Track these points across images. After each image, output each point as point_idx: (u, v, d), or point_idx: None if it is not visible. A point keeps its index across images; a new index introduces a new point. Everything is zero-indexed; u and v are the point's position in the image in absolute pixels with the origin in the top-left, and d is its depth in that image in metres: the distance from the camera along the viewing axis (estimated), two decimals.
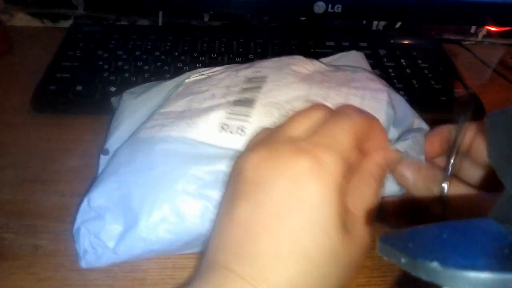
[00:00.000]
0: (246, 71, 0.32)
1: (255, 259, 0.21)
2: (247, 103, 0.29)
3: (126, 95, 0.35)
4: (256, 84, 0.30)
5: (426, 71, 0.49)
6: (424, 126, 0.30)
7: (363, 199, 0.23)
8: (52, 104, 0.42)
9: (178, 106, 0.31)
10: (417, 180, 0.26)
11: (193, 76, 0.34)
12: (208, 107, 0.29)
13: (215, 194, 0.26)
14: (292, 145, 0.22)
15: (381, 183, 0.25)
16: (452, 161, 0.26)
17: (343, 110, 0.25)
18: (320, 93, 0.29)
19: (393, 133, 0.29)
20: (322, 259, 0.21)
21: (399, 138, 0.28)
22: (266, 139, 0.24)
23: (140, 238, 0.26)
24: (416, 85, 0.47)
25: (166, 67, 0.46)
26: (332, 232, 0.21)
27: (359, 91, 0.30)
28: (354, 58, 0.38)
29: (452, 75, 0.49)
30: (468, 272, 0.11)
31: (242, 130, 0.28)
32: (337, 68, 0.34)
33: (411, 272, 0.12)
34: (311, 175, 0.21)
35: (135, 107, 0.33)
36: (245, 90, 0.30)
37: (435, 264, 0.11)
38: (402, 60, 0.50)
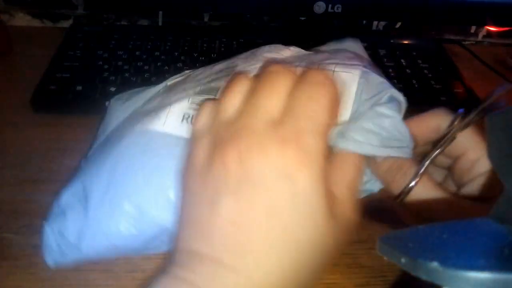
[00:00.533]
0: (221, 65, 0.32)
1: (247, 252, 0.21)
2: (211, 91, 0.28)
3: (113, 101, 0.35)
4: (224, 73, 0.30)
5: (426, 71, 0.49)
6: (401, 98, 0.27)
7: (346, 179, 0.23)
8: (52, 104, 0.42)
9: (152, 104, 0.31)
10: (383, 173, 0.26)
11: (175, 78, 0.34)
12: (175, 99, 0.29)
13: (177, 185, 0.26)
14: (273, 134, 0.22)
15: (362, 159, 0.25)
16: (432, 156, 0.25)
17: (313, 78, 0.24)
18: None
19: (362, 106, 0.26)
20: (311, 246, 0.21)
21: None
22: (237, 125, 0.23)
23: (101, 233, 0.26)
24: (416, 85, 0.47)
25: (166, 67, 0.46)
26: (320, 220, 0.21)
27: (330, 67, 0.28)
28: (350, 45, 0.36)
29: (452, 75, 0.49)
30: (468, 272, 0.11)
31: None
32: (317, 50, 0.33)
33: (411, 272, 0.12)
34: (300, 167, 0.21)
35: (120, 113, 0.33)
36: (212, 80, 0.30)
37: (435, 264, 0.11)
38: (402, 60, 0.50)
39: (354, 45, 0.36)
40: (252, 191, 0.21)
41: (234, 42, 0.51)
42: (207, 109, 0.25)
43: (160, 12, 0.57)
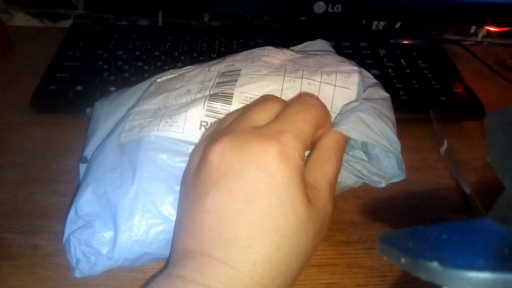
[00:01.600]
0: (218, 66, 0.32)
1: (232, 243, 0.22)
2: (225, 98, 0.29)
3: (98, 104, 0.35)
4: (230, 77, 0.30)
5: (426, 71, 0.49)
6: (385, 96, 0.30)
7: (325, 175, 0.25)
8: (52, 104, 0.42)
9: (153, 104, 0.31)
10: None
11: (165, 76, 0.34)
12: (185, 102, 0.29)
13: None
14: (255, 133, 0.24)
15: (340, 156, 0.27)
16: None
17: (305, 100, 0.26)
18: (293, 85, 0.29)
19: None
20: (292, 232, 0.22)
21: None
22: (226, 130, 0.25)
23: (134, 241, 0.26)
24: (416, 85, 0.47)
25: (166, 67, 0.46)
26: (299, 207, 0.22)
27: (331, 77, 0.30)
28: (320, 45, 0.39)
29: (452, 75, 0.49)
30: (468, 272, 0.11)
31: None
32: (306, 54, 0.34)
33: (411, 272, 0.12)
34: (278, 161, 0.22)
35: (109, 113, 0.33)
36: (219, 84, 0.30)
37: (435, 264, 0.11)
38: (402, 60, 0.50)
39: (324, 45, 0.39)
40: (232, 182, 0.23)
41: (234, 42, 0.51)
42: (214, 124, 0.28)
43: (160, 12, 0.57)
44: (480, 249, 0.12)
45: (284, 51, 0.34)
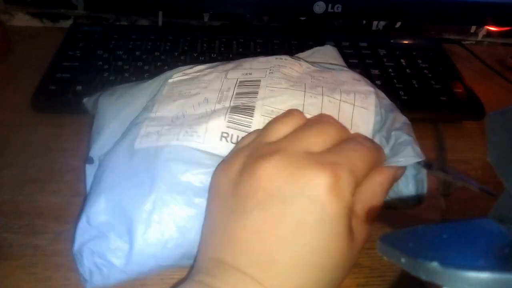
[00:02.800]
0: (235, 73, 0.32)
1: (272, 267, 0.22)
2: (247, 111, 0.28)
3: (102, 99, 0.34)
4: (250, 89, 0.30)
5: (426, 71, 0.49)
6: (404, 119, 0.31)
7: (371, 209, 0.25)
8: (52, 104, 0.42)
9: (169, 110, 0.30)
10: None
11: (176, 76, 0.33)
12: (204, 113, 0.29)
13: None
14: (311, 159, 0.23)
15: (386, 193, 0.26)
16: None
17: (362, 141, 0.26)
18: (315, 102, 0.29)
19: (379, 138, 0.29)
20: (333, 267, 0.22)
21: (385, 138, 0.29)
22: (277, 146, 0.24)
23: (150, 255, 0.26)
24: (416, 85, 0.47)
25: (166, 67, 0.46)
26: (343, 243, 0.22)
27: (350, 97, 0.30)
28: (329, 52, 0.38)
29: (452, 75, 0.49)
30: (468, 272, 0.11)
31: None
32: (321, 67, 0.34)
33: (411, 272, 0.12)
34: (331, 194, 0.22)
35: (116, 111, 0.32)
36: (239, 94, 0.29)
37: (435, 264, 0.11)
38: (402, 60, 0.50)
39: (332, 53, 0.39)
40: (281, 207, 0.22)
41: (234, 42, 0.51)
42: (254, 133, 0.27)
43: (160, 12, 0.57)
44: (480, 249, 0.12)
45: (300, 62, 0.33)
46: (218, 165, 0.26)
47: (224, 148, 0.27)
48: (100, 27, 0.52)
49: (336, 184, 0.22)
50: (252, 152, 0.24)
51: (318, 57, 0.37)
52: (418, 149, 0.27)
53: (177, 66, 0.46)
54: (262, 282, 0.21)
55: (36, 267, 0.29)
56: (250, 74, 0.31)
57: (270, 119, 0.28)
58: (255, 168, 0.23)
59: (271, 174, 0.22)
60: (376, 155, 0.26)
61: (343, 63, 0.38)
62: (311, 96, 0.29)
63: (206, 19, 0.60)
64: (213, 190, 0.26)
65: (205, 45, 0.50)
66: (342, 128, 0.27)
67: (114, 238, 0.26)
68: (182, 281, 0.24)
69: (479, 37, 0.63)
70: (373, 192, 0.25)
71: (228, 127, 0.28)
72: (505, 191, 0.15)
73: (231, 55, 0.49)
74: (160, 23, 0.58)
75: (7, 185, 0.35)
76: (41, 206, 0.33)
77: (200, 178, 0.26)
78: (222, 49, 0.50)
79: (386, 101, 0.32)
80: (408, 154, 0.27)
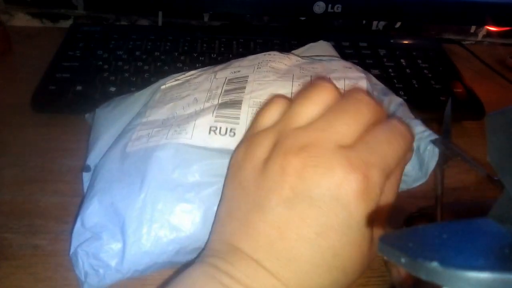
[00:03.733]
0: (224, 72, 0.32)
1: (291, 264, 0.21)
2: (234, 105, 0.28)
3: (99, 110, 0.35)
4: (238, 85, 0.30)
5: (426, 71, 0.49)
6: (399, 100, 0.30)
7: (388, 203, 0.24)
8: (52, 104, 0.42)
9: (160, 114, 0.30)
10: None
11: (169, 82, 0.33)
12: (194, 112, 0.29)
13: (213, 195, 0.26)
14: (342, 158, 0.21)
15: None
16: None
17: (397, 128, 0.24)
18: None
19: None
20: (353, 270, 0.22)
21: None
22: (308, 136, 0.22)
23: (143, 252, 0.26)
24: (416, 85, 0.47)
25: (166, 67, 0.46)
26: (365, 247, 0.22)
27: (339, 83, 0.29)
28: (323, 47, 0.38)
29: (452, 75, 0.49)
30: (468, 272, 0.11)
31: (232, 132, 0.27)
32: (312, 59, 0.34)
33: (411, 272, 0.12)
34: (360, 199, 0.21)
35: (112, 120, 0.33)
36: (228, 91, 0.30)
37: (435, 264, 0.11)
38: (402, 60, 0.50)
39: (326, 48, 0.39)
40: (306, 207, 0.21)
41: (234, 42, 0.51)
42: (278, 105, 0.25)
43: (160, 12, 0.57)
44: (480, 249, 0.12)
45: (289, 56, 0.33)
46: (239, 143, 0.26)
47: (215, 140, 0.27)
48: (100, 27, 0.52)
49: (366, 188, 0.21)
50: (279, 137, 0.23)
51: (312, 53, 0.37)
52: (423, 126, 0.27)
53: (177, 66, 0.46)
54: (279, 277, 0.21)
55: (36, 267, 0.29)
56: (239, 71, 0.32)
57: (257, 109, 0.27)
58: (283, 163, 0.22)
59: (301, 173, 0.21)
60: (409, 144, 0.24)
61: (336, 55, 0.38)
62: (299, 85, 0.29)
63: (206, 19, 0.60)
64: (234, 173, 0.24)
65: (205, 45, 0.50)
66: (377, 107, 0.24)
67: (107, 238, 0.26)
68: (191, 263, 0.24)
69: (479, 37, 0.63)
70: (394, 190, 0.24)
71: (216, 121, 0.28)
72: (505, 191, 0.15)
73: (231, 55, 0.49)
74: (160, 23, 0.58)
75: (7, 185, 0.35)
76: (41, 206, 0.33)
77: (190, 173, 0.26)
78: (222, 49, 0.50)
79: (379, 85, 0.31)
80: (419, 130, 0.26)
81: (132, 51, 0.48)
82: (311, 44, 0.39)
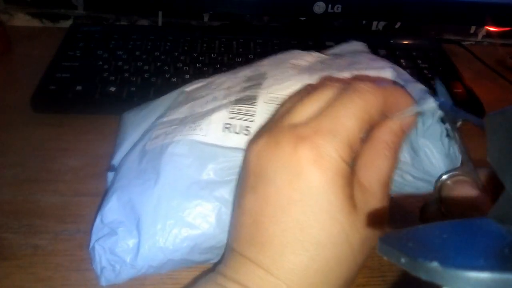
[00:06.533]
0: (245, 71, 0.32)
1: (265, 248, 0.21)
2: (249, 101, 0.28)
3: (125, 115, 0.35)
4: (256, 81, 0.30)
5: (426, 71, 0.49)
6: (421, 87, 0.28)
7: (377, 173, 0.23)
8: (52, 104, 0.42)
9: (179, 113, 0.30)
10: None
11: (193, 85, 0.34)
12: (210, 109, 0.29)
13: (227, 194, 0.26)
14: (291, 132, 0.22)
15: (396, 151, 0.24)
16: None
17: (354, 87, 0.23)
18: None
19: None
20: (331, 241, 0.21)
21: None
22: (269, 127, 0.24)
23: (157, 249, 0.26)
24: None
25: (166, 67, 0.46)
26: (339, 216, 0.21)
27: (363, 73, 0.28)
28: (355, 46, 0.37)
29: (452, 75, 0.49)
30: (468, 272, 0.11)
31: (247, 130, 0.27)
32: (337, 55, 0.34)
33: (411, 272, 0.12)
34: (311, 164, 0.21)
35: (136, 124, 0.33)
36: (245, 88, 0.29)
37: (435, 264, 0.11)
38: (402, 60, 0.50)
39: (359, 46, 0.37)
40: (266, 186, 0.22)
41: (234, 42, 0.51)
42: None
43: (160, 12, 0.57)
44: (480, 249, 0.12)
45: (312, 53, 0.33)
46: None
47: (229, 139, 0.27)
48: (100, 27, 0.52)
49: (316, 154, 0.20)
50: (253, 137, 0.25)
51: (342, 51, 0.36)
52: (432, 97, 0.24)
53: (177, 66, 0.46)
54: (259, 264, 0.21)
55: (36, 267, 0.29)
56: (258, 70, 0.32)
57: (274, 105, 0.27)
58: (247, 152, 0.23)
59: (257, 155, 0.22)
60: (373, 101, 0.22)
61: (371, 54, 0.35)
62: (316, 79, 0.28)
63: (206, 19, 0.60)
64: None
65: (205, 45, 0.50)
66: (337, 83, 0.24)
67: (123, 234, 0.27)
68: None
69: (479, 38, 0.63)
70: (376, 153, 0.23)
71: (231, 118, 0.28)
72: (505, 191, 0.15)
73: (231, 55, 0.49)
74: (160, 23, 0.58)
75: (7, 185, 0.35)
76: (41, 206, 0.33)
77: (205, 172, 0.27)
78: (222, 49, 0.50)
79: (406, 75, 0.30)
80: (424, 97, 0.24)
81: (132, 51, 0.48)
82: (343, 44, 0.38)
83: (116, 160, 0.32)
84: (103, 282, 0.27)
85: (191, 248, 0.26)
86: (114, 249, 0.26)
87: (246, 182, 0.23)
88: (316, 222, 0.21)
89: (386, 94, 0.23)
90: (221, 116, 0.28)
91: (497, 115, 0.15)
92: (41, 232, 0.31)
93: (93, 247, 0.27)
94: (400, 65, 0.49)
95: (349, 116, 0.21)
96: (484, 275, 0.11)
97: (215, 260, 0.28)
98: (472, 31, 0.62)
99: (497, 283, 0.11)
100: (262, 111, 0.27)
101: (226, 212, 0.26)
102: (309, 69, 0.30)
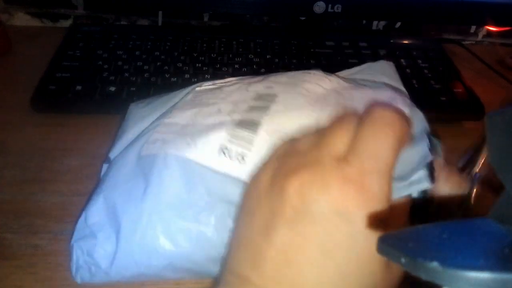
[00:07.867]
0: (257, 86, 0.30)
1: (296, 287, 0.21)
2: (252, 126, 0.27)
3: (133, 106, 0.35)
4: (264, 103, 0.29)
5: (426, 71, 0.49)
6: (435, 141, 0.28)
7: (404, 214, 0.23)
8: (52, 104, 0.42)
9: (183, 117, 0.29)
10: (446, 184, 0.26)
11: (205, 85, 0.33)
12: (212, 124, 0.28)
13: (211, 220, 0.26)
14: (338, 171, 0.21)
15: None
16: (478, 165, 0.25)
17: (381, 118, 0.23)
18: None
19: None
20: None
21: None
22: (305, 158, 0.23)
23: (132, 261, 0.26)
24: (416, 85, 0.47)
25: (166, 67, 0.46)
26: (376, 267, 0.21)
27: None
28: (382, 68, 0.36)
29: (452, 75, 0.49)
30: (468, 272, 0.11)
31: (242, 158, 0.26)
32: (357, 84, 0.32)
33: (411, 272, 0.12)
34: (359, 208, 0.20)
35: (141, 116, 0.33)
36: (252, 108, 0.28)
37: (435, 264, 0.11)
38: (402, 60, 0.50)
39: (386, 68, 0.36)
40: (308, 225, 0.21)
41: (234, 42, 0.51)
42: (286, 143, 0.25)
43: (160, 12, 0.57)
44: (480, 249, 0.12)
45: (330, 77, 0.31)
46: (250, 178, 0.25)
47: (222, 163, 0.26)
48: (100, 27, 0.52)
49: (364, 196, 0.20)
50: (280, 164, 0.23)
51: (368, 73, 0.35)
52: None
53: (177, 66, 0.46)
54: None
55: (36, 267, 0.29)
56: (271, 87, 0.30)
57: (274, 139, 0.26)
58: (284, 184, 0.22)
59: (300, 191, 0.21)
60: (402, 128, 0.23)
61: (396, 80, 0.34)
62: (327, 116, 0.27)
63: (206, 19, 0.60)
64: (242, 204, 0.25)
65: (205, 45, 0.50)
66: (353, 114, 0.24)
67: (102, 239, 0.27)
68: None
69: (479, 37, 0.63)
70: (403, 215, 0.23)
71: (229, 141, 0.27)
72: (505, 191, 0.15)
73: (231, 55, 0.49)
74: (160, 23, 0.58)
75: (7, 185, 0.35)
76: (41, 206, 0.33)
77: (192, 193, 0.26)
78: (222, 49, 0.50)
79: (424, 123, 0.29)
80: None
81: (132, 51, 0.48)
82: (370, 63, 0.36)
83: (113, 153, 0.31)
84: (78, 280, 0.27)
85: (164, 267, 0.26)
86: (92, 253, 0.26)
87: (280, 215, 0.21)
88: (356, 272, 0.20)
89: (407, 120, 0.24)
90: (219, 137, 0.27)
91: (497, 115, 0.15)
92: (41, 232, 0.31)
93: (72, 246, 0.27)
94: (400, 65, 0.49)
95: (387, 149, 0.22)
96: (484, 275, 0.11)
97: (187, 277, 0.28)
98: (472, 30, 0.62)
99: (497, 283, 0.11)
100: (261, 141, 0.26)
101: (206, 238, 0.25)
102: (322, 100, 0.29)
